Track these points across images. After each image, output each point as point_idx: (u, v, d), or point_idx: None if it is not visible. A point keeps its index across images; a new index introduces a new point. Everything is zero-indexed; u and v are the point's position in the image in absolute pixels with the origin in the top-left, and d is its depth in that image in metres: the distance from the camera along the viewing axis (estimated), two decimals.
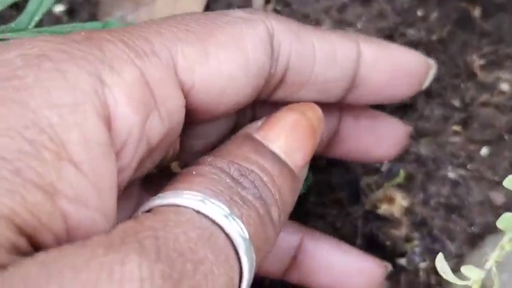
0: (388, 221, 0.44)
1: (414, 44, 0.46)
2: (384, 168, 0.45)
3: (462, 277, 0.27)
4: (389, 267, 0.39)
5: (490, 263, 0.25)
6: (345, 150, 0.36)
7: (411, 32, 0.47)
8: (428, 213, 0.44)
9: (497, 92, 0.45)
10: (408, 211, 0.44)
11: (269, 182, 0.26)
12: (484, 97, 0.45)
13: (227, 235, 0.23)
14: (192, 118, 0.27)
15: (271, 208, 0.26)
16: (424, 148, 0.46)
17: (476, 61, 0.46)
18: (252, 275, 0.24)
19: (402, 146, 0.38)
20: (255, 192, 0.25)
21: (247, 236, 0.24)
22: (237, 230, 0.24)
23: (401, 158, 0.45)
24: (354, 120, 0.35)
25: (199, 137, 0.30)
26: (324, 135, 0.34)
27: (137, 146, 0.24)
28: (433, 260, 0.45)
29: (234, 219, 0.24)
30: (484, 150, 0.45)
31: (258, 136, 0.28)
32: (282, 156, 0.27)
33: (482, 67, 0.46)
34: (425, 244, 0.44)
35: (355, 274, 0.36)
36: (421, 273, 0.44)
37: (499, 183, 0.45)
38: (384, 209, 0.43)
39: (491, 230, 0.44)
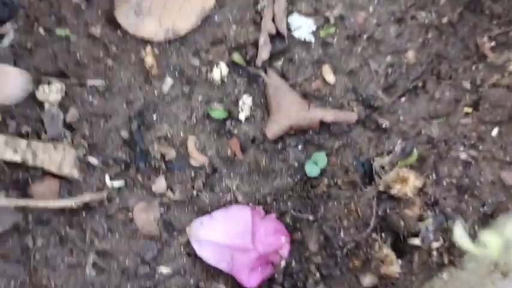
0: (401, 201, 0.44)
1: (425, 27, 0.47)
2: (397, 148, 0.45)
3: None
4: None
5: (510, 229, 0.25)
6: None
7: (422, 15, 0.47)
8: (440, 194, 0.44)
9: (507, 72, 0.45)
10: (421, 192, 0.44)
11: None
12: (495, 78, 0.45)
13: None
14: None
15: None
16: (435, 130, 0.46)
17: (487, 43, 0.46)
18: None
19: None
20: None
21: None
22: None
23: (413, 139, 0.46)
24: None
25: None
26: None
27: None
28: (446, 240, 0.45)
29: None
30: (495, 131, 0.45)
31: None
32: None
33: (493, 49, 0.46)
34: (439, 223, 0.44)
35: None
36: (434, 253, 0.44)
37: (510, 163, 0.45)
38: (397, 189, 0.43)
39: (503, 209, 0.45)
